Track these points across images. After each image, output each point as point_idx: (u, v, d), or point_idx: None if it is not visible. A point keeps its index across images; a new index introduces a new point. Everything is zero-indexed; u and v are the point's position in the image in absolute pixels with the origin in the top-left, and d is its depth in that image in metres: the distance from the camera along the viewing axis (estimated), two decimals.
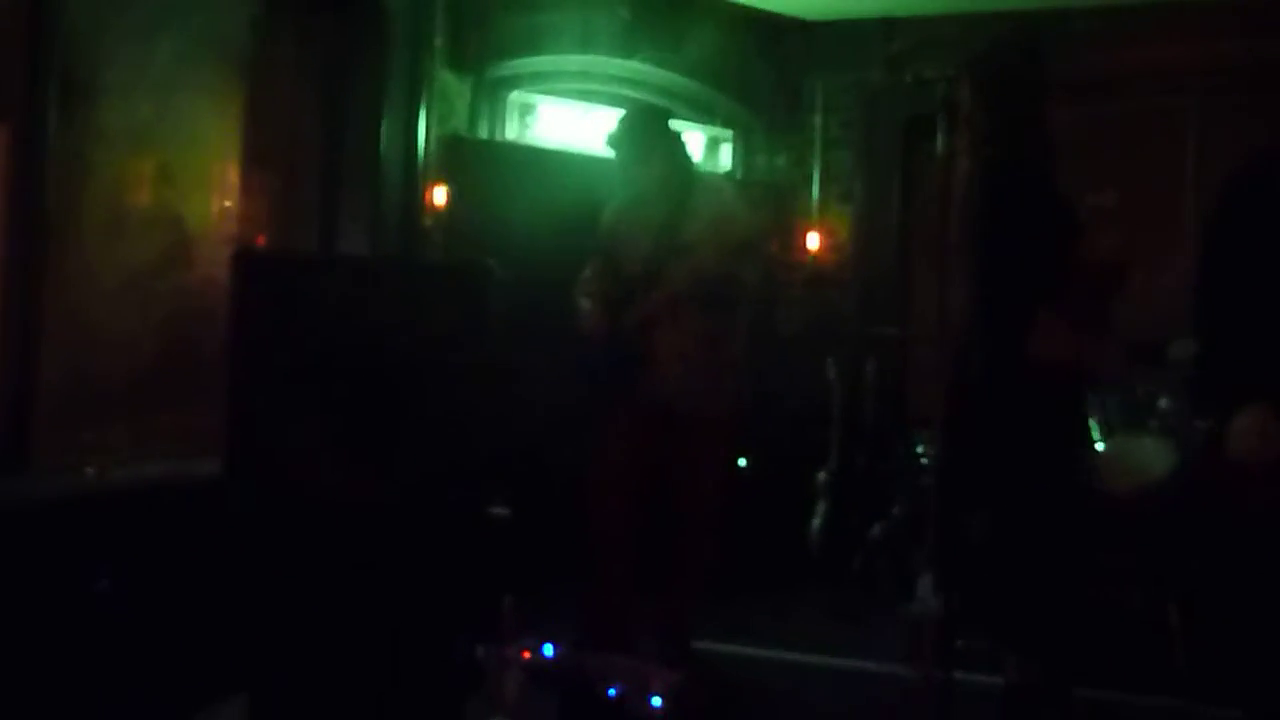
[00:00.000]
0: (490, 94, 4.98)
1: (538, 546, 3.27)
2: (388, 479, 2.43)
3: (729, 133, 5.62)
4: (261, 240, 3.94)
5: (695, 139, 5.51)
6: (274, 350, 2.39)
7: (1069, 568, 2.85)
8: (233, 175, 3.80)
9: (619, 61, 5.20)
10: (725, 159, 5.64)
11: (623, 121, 3.31)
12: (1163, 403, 3.53)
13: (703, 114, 5.58)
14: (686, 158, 3.34)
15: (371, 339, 2.41)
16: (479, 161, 4.79)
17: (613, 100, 5.30)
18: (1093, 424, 3.58)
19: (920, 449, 4.20)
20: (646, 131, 3.26)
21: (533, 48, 4.97)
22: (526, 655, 2.72)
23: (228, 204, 3.78)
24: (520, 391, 2.95)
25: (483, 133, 4.95)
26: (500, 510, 2.49)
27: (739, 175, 5.66)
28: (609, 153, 3.34)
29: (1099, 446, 3.56)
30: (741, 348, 3.34)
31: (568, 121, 5.15)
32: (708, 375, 3.20)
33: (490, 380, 2.42)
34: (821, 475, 4.70)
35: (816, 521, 4.68)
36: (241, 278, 2.39)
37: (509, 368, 2.57)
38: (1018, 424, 2.76)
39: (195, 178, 3.62)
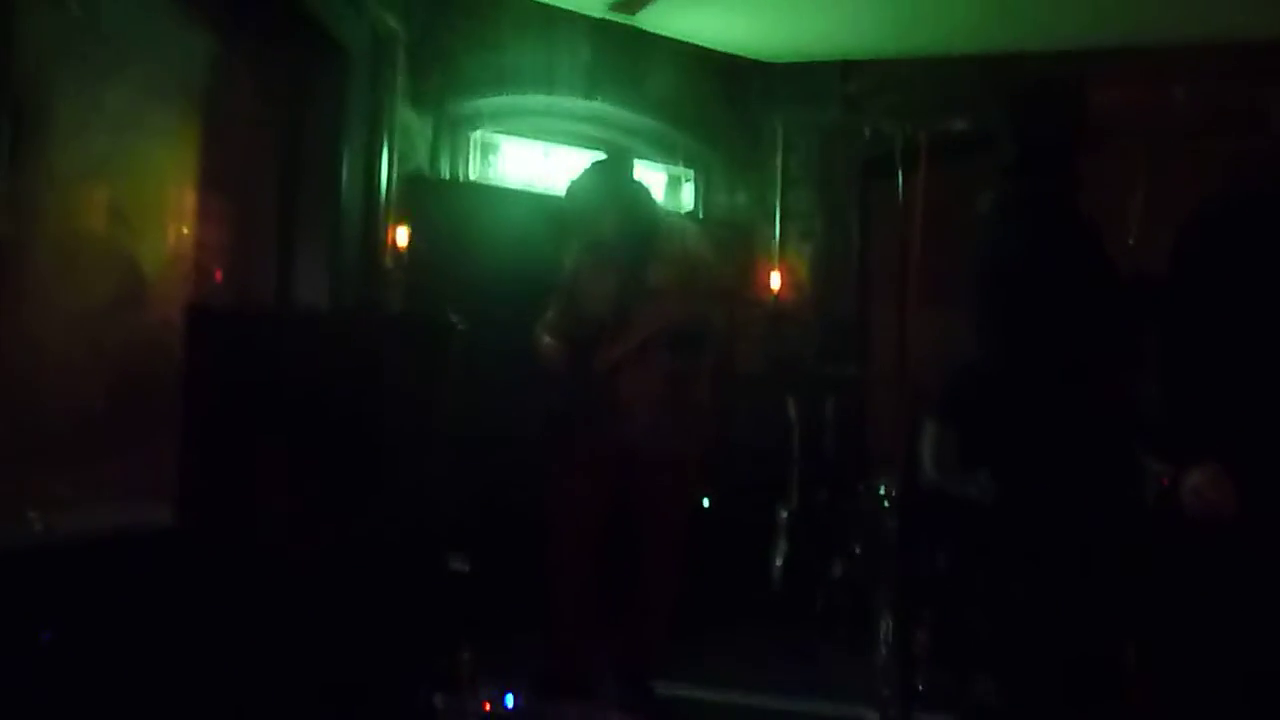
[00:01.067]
0: (452, 132, 4.97)
1: (500, 595, 3.22)
2: (345, 533, 2.37)
3: (690, 171, 5.65)
4: (219, 275, 3.86)
5: (656, 178, 5.53)
6: (229, 405, 2.36)
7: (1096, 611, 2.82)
8: (188, 215, 3.72)
9: (581, 101, 5.21)
10: (686, 197, 5.67)
11: (584, 173, 3.28)
12: None
13: (664, 153, 5.61)
14: (650, 205, 3.32)
15: (329, 393, 2.37)
16: (441, 201, 4.76)
17: (576, 139, 5.31)
18: None
19: (881, 488, 4.18)
20: (609, 184, 3.23)
21: (495, 86, 4.97)
22: (487, 707, 2.66)
23: (183, 244, 3.70)
24: (482, 441, 2.92)
25: (444, 171, 4.93)
26: (460, 564, 2.44)
27: (700, 213, 5.68)
28: (571, 205, 3.30)
29: None
30: (708, 390, 3.31)
31: (531, 160, 5.15)
32: (675, 418, 3.19)
33: (451, 435, 2.37)
34: (783, 513, 4.67)
35: (778, 560, 4.65)
36: (194, 333, 2.34)
37: (470, 420, 2.53)
38: (1071, 466, 2.71)
39: (149, 217, 3.54)
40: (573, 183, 3.30)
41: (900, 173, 3.24)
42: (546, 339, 3.28)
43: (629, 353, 3.11)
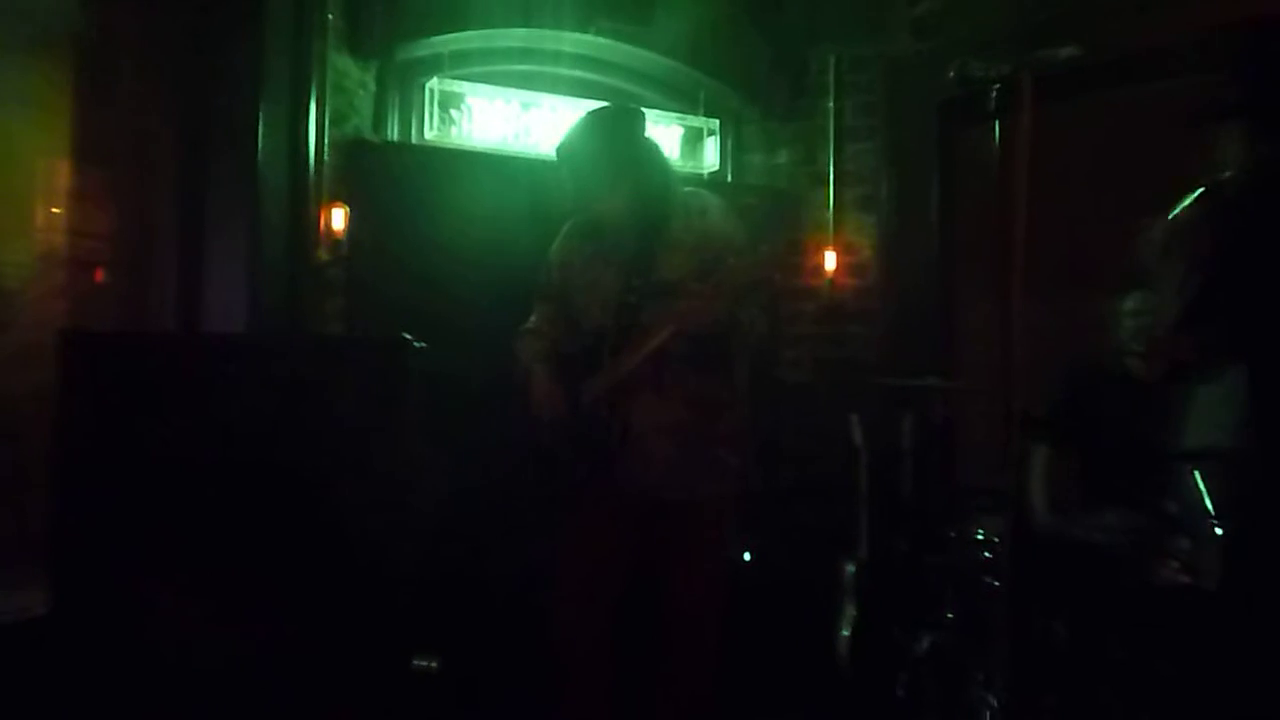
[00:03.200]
0: (401, 82, 4.98)
1: (478, 698, 3.20)
2: (269, 622, 2.35)
3: (714, 123, 5.63)
4: (99, 276, 3.86)
5: (671, 133, 5.51)
6: (114, 455, 2.36)
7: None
8: (62, 207, 3.71)
9: (570, 36, 5.19)
10: (710, 156, 5.64)
11: (578, 129, 3.26)
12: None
13: (680, 100, 5.59)
14: (663, 172, 3.29)
15: (249, 441, 2.36)
16: (389, 171, 4.75)
17: (564, 86, 5.29)
18: None
19: (980, 535, 4.15)
20: (609, 145, 3.20)
21: (456, 21, 4.96)
22: None
23: (54, 238, 3.70)
24: (450, 495, 2.88)
25: (392, 133, 4.91)
26: (426, 662, 2.43)
27: (729, 177, 5.65)
28: (562, 168, 3.28)
29: None
30: (744, 413, 3.28)
31: (505, 116, 5.14)
32: (704, 454, 3.15)
33: (411, 491, 2.36)
34: (849, 568, 4.64)
35: (845, 630, 4.62)
36: (70, 365, 2.34)
37: (434, 468, 2.52)
38: None
39: (11, 215, 3.54)
40: (561, 144, 3.28)
41: (996, 117, 3.22)
42: (532, 360, 3.26)
43: (639, 368, 3.08)
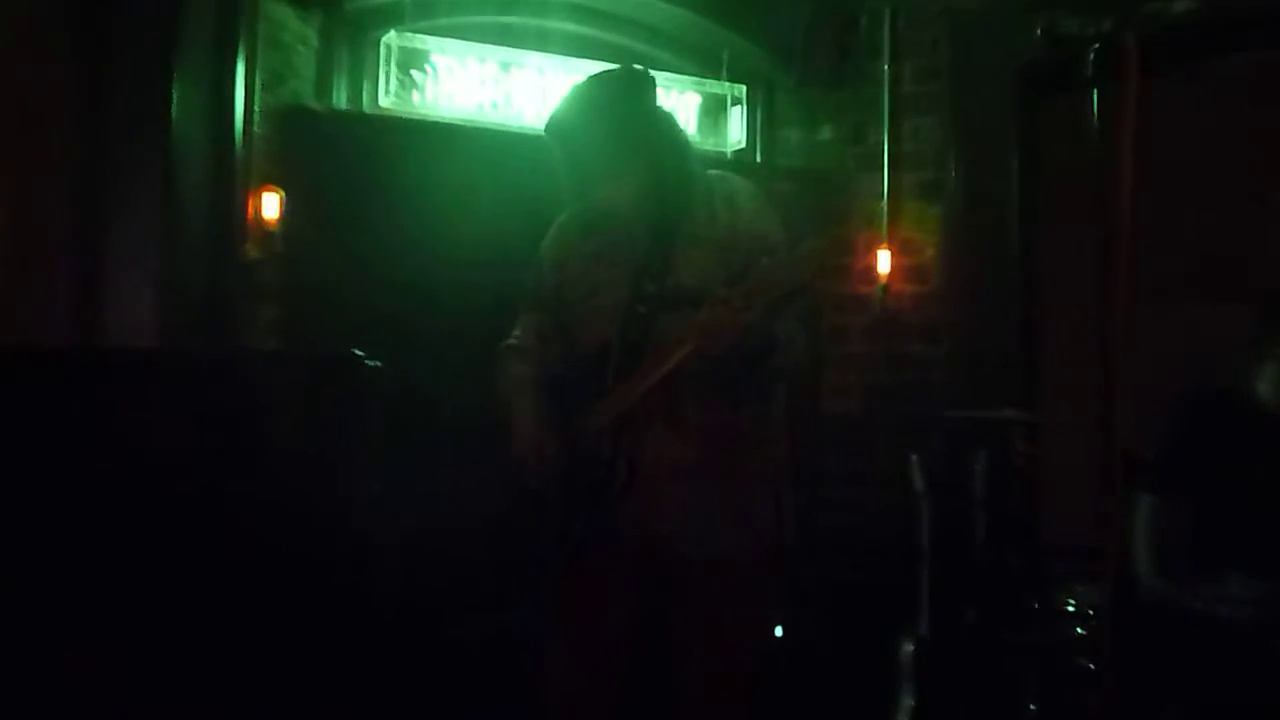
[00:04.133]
0: (351, 36, 5.01)
1: None
2: (191, 696, 2.35)
3: (741, 90, 5.67)
4: None
5: (689, 100, 5.52)
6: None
7: None
8: None
9: None
10: (735, 132, 5.67)
11: (574, 97, 3.26)
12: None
13: (699, 62, 5.62)
14: (680, 150, 3.29)
15: (157, 478, 2.39)
16: (335, 146, 4.78)
17: (556, 43, 5.30)
18: None
19: (1071, 605, 4.15)
20: (614, 113, 3.20)
21: None
22: None
23: None
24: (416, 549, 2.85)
25: (340, 100, 4.95)
26: None
27: (758, 157, 5.66)
28: (554, 146, 3.28)
29: None
30: (781, 452, 3.28)
31: (480, 78, 5.18)
32: (729, 501, 3.14)
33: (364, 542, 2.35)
34: (907, 646, 4.65)
35: None
36: None
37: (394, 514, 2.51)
38: None
39: None
40: (553, 116, 3.27)
41: (1092, 86, 3.21)
42: (512, 382, 3.26)
43: (651, 395, 3.06)
